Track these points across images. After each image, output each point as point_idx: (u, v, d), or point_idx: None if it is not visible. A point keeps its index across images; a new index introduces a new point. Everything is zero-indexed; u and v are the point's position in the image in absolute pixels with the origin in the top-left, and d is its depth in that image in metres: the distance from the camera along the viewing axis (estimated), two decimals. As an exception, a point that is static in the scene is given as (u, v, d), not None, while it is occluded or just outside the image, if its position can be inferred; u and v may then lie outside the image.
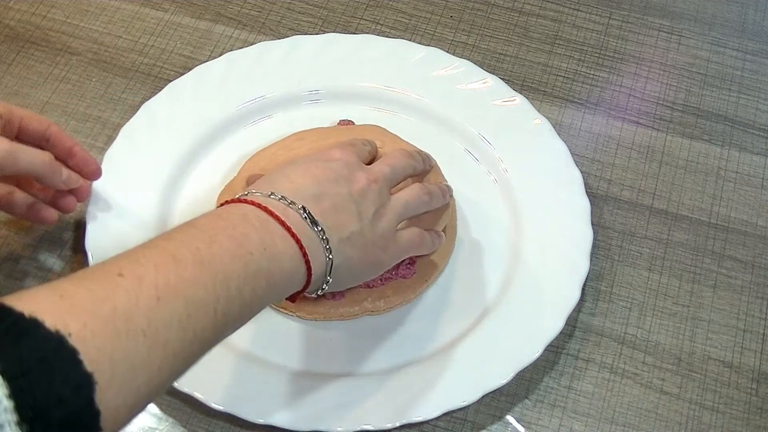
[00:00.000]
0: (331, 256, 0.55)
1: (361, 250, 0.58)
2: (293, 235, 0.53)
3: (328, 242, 0.55)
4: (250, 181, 0.70)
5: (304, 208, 0.54)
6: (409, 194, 0.62)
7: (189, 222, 0.52)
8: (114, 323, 0.43)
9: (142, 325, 0.44)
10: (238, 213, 0.53)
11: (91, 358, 0.41)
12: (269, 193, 0.55)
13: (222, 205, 0.55)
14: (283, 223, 0.53)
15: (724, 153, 0.78)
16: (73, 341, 0.41)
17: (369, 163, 0.63)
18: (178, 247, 0.48)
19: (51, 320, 0.41)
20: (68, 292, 0.43)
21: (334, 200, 0.56)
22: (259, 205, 0.53)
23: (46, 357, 0.40)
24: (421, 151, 0.68)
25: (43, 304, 0.42)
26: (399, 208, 0.61)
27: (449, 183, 0.73)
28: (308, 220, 0.54)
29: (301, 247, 0.53)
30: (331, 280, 0.56)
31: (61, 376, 0.40)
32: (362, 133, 0.71)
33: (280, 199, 0.54)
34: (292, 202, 0.54)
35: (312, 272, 0.54)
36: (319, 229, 0.55)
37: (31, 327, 0.40)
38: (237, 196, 0.55)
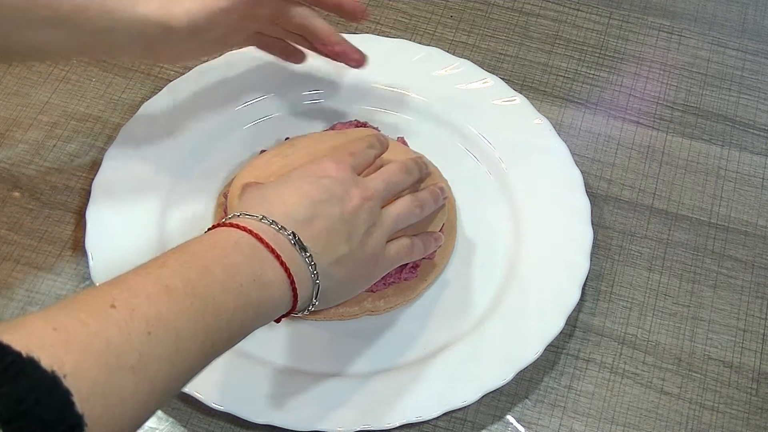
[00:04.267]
0: (318, 281, 0.55)
1: (349, 271, 0.58)
2: (282, 264, 0.53)
3: (315, 267, 0.55)
4: (245, 189, 0.71)
5: (294, 234, 0.54)
6: (400, 208, 0.62)
7: (183, 247, 0.52)
8: (106, 359, 0.43)
9: (132, 360, 0.44)
10: (231, 240, 0.53)
11: (82, 397, 0.42)
12: (261, 216, 0.55)
13: (215, 227, 0.55)
14: (273, 251, 0.53)
15: (724, 153, 0.78)
16: (67, 382, 0.41)
17: (373, 165, 0.63)
18: (171, 277, 0.49)
19: (47, 359, 0.41)
20: (62, 325, 0.43)
21: (325, 222, 0.56)
22: (250, 232, 0.53)
23: (40, 399, 0.40)
24: (418, 158, 0.67)
25: (38, 339, 0.42)
26: (390, 224, 0.60)
27: (449, 182, 0.73)
28: (297, 246, 0.54)
29: (290, 275, 0.53)
30: (317, 302, 0.56)
31: (53, 418, 0.41)
32: (355, 136, 0.71)
33: (271, 224, 0.54)
34: (282, 228, 0.54)
35: (298, 298, 0.54)
36: (308, 255, 0.55)
37: (28, 367, 0.41)
38: (229, 217, 0.55)
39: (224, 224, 0.54)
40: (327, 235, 0.56)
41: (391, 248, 0.61)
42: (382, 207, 0.61)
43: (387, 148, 0.65)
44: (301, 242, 0.54)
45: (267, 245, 0.53)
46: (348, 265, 0.57)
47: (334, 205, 0.57)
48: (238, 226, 0.54)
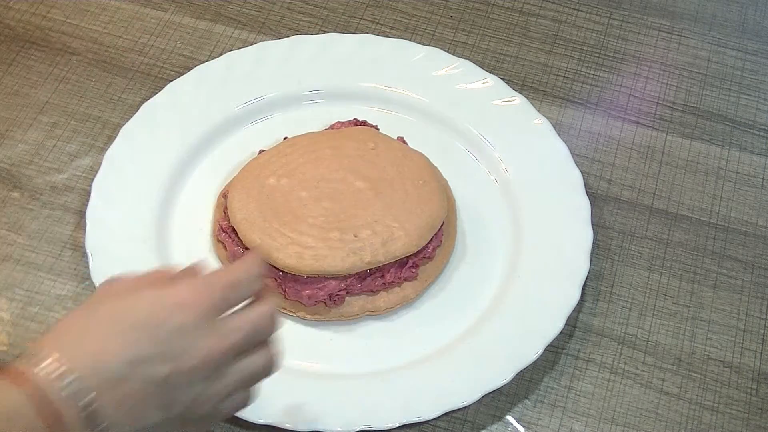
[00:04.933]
0: None
1: None
2: None
3: None
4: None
5: (91, 403, 0.44)
6: (253, 366, 0.50)
7: None
8: None
9: None
10: (5, 407, 0.43)
11: None
12: (60, 371, 0.44)
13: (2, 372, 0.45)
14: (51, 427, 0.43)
15: (724, 153, 0.78)
16: None
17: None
18: None
19: None
20: None
21: (139, 386, 0.45)
22: (36, 397, 0.43)
23: None
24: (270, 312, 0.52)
25: None
26: (233, 384, 0.50)
27: (449, 182, 0.73)
28: (89, 420, 0.44)
29: None
30: None
31: None
32: (354, 136, 0.71)
33: (69, 384, 0.44)
34: (81, 390, 0.44)
35: None
36: (100, 429, 0.45)
37: None
38: (30, 353, 0.45)
39: (12, 371, 0.45)
40: (136, 403, 0.45)
41: (223, 406, 0.50)
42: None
43: (259, 291, 0.52)
44: (95, 417, 0.44)
45: (48, 423, 0.43)
46: None
47: (162, 364, 0.46)
48: (25, 383, 0.44)
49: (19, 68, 0.81)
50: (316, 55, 0.79)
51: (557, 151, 0.74)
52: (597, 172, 0.77)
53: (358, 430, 0.61)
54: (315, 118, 0.76)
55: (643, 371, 0.67)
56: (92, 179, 0.72)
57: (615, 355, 0.68)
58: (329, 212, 0.67)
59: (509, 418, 0.65)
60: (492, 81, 0.78)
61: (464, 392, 0.63)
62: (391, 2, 0.87)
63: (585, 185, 0.72)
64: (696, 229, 0.74)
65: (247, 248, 0.67)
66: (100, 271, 0.67)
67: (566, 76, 0.82)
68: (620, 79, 0.82)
